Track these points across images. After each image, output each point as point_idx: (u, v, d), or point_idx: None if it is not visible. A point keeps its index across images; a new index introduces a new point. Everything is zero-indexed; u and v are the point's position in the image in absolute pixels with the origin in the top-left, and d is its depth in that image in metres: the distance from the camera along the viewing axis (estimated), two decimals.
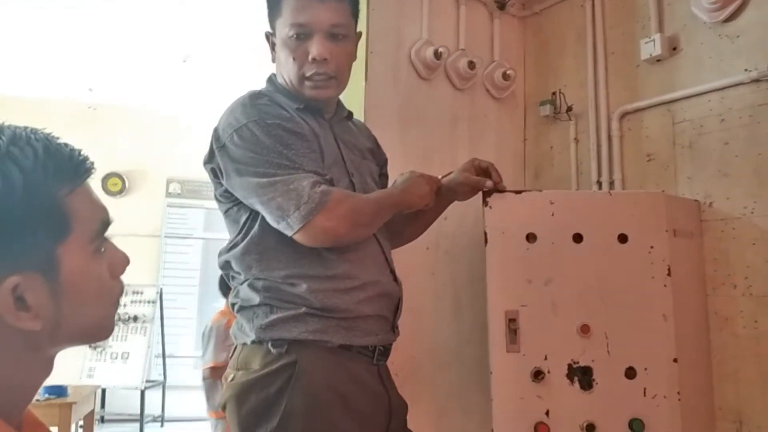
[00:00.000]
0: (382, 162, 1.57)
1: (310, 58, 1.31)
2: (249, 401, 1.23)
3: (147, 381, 5.45)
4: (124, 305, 5.40)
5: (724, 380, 1.77)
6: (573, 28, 2.21)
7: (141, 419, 5.32)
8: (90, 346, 4.72)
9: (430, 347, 1.93)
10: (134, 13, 3.95)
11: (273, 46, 1.40)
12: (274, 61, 1.41)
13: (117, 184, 5.96)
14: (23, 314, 0.61)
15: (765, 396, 1.68)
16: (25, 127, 0.68)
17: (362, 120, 1.79)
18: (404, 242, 1.57)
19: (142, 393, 5.32)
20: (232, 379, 1.29)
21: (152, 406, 5.59)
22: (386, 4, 1.98)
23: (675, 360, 1.63)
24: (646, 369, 1.62)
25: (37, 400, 3.64)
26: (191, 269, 6.39)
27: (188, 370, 5.82)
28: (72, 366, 4.69)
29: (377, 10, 1.96)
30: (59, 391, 3.45)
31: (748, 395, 1.72)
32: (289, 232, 1.23)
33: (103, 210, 0.71)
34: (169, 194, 6.46)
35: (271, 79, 1.44)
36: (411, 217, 1.46)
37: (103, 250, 0.70)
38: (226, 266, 1.38)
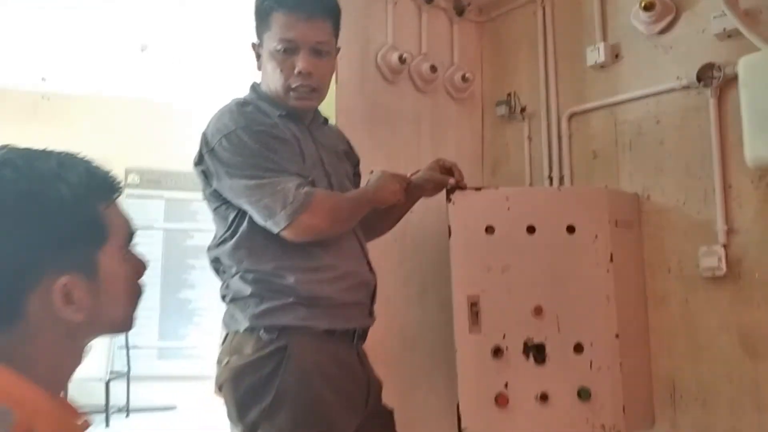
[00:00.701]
0: (355, 162, 1.72)
1: (296, 71, 1.44)
2: (244, 382, 1.36)
3: (111, 372, 5.46)
4: None
5: (659, 353, 1.96)
6: (526, 34, 2.36)
7: (106, 410, 5.33)
8: None
9: (399, 330, 2.07)
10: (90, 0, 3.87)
11: (258, 57, 1.52)
12: (259, 69, 1.53)
13: None
14: (69, 308, 0.74)
15: (693, 366, 1.88)
16: (67, 152, 0.81)
17: (333, 120, 1.93)
18: (377, 235, 1.73)
19: (107, 384, 5.33)
20: (226, 363, 1.41)
21: (117, 397, 5.60)
22: (354, 12, 2.10)
23: (617, 336, 1.82)
24: (591, 344, 1.80)
25: None
26: (152, 260, 6.37)
27: (152, 360, 5.85)
28: None
29: (346, 18, 2.05)
30: None
31: (679, 365, 1.91)
32: (275, 230, 1.37)
33: (130, 222, 0.85)
34: (128, 185, 6.41)
35: (255, 88, 1.56)
36: (383, 212, 1.62)
37: (128, 256, 0.84)
38: (216, 261, 1.50)
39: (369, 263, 1.55)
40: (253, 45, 1.54)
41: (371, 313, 1.54)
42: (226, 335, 1.47)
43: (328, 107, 1.95)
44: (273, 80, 1.48)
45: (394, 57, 2.15)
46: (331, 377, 1.39)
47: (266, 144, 1.39)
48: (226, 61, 4.45)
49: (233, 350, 1.41)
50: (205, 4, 3.74)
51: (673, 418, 1.93)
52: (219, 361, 1.45)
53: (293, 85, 1.47)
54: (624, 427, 1.81)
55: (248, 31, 1.55)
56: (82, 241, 0.76)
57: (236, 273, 1.42)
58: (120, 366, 5.90)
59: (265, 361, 1.35)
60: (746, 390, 1.77)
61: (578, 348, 1.80)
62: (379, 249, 1.78)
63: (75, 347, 0.80)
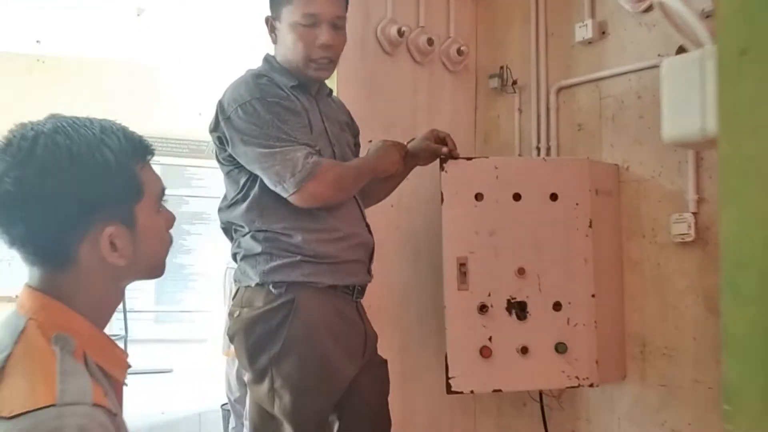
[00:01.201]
0: (356, 133, 1.85)
1: (318, 43, 1.55)
2: (255, 332, 1.50)
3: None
4: None
5: (632, 312, 2.11)
6: (519, 9, 2.45)
7: None
8: None
9: (394, 288, 2.21)
10: None
11: (273, 30, 1.61)
12: (274, 42, 1.62)
13: None
14: (114, 254, 0.89)
15: (663, 324, 2.04)
16: (105, 119, 0.94)
17: (335, 90, 2.04)
18: (375, 202, 1.86)
19: None
20: (237, 315, 1.56)
21: None
22: None
23: (593, 296, 1.97)
24: (569, 303, 1.96)
25: None
26: None
27: (149, 324, 6.01)
28: None
29: None
30: None
31: (650, 324, 2.07)
32: (284, 195, 1.50)
33: (161, 181, 0.99)
34: None
35: (268, 59, 1.65)
36: (381, 180, 1.75)
37: (160, 210, 0.98)
38: (227, 222, 1.64)
39: (368, 226, 1.69)
40: (268, 18, 1.62)
41: (369, 271, 1.69)
42: (237, 290, 1.62)
43: (330, 78, 2.07)
44: (294, 52, 1.58)
45: (393, 30, 2.25)
46: (334, 328, 1.54)
47: (278, 114, 1.51)
48: (220, 28, 4.49)
49: (244, 303, 1.55)
50: None
51: (642, 372, 2.10)
52: (230, 314, 1.60)
53: (314, 57, 1.58)
54: (597, 379, 1.98)
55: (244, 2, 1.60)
56: (123, 197, 0.89)
57: (248, 232, 1.55)
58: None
59: (275, 312, 1.49)
60: (708, 346, 1.93)
61: (557, 306, 1.96)
62: (377, 214, 1.92)
63: (117, 288, 0.94)
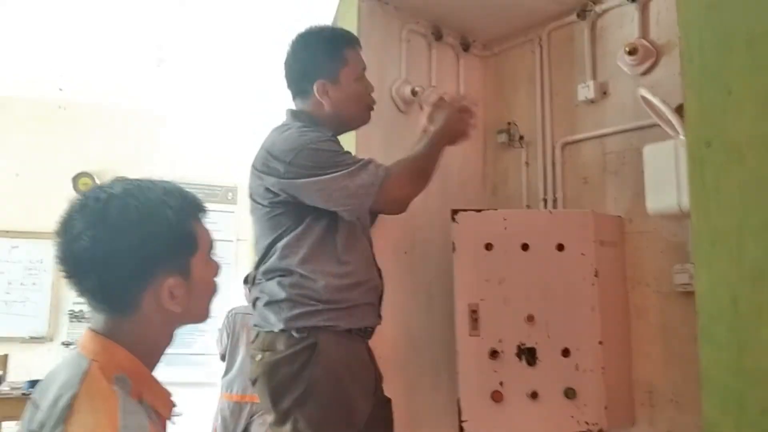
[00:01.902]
0: None
1: (370, 92, 1.81)
2: (278, 374, 1.58)
3: None
4: None
5: (639, 359, 2.17)
6: (525, 69, 2.62)
7: None
8: (63, 344, 5.03)
9: (406, 333, 2.28)
10: (106, 13, 3.93)
11: (326, 93, 1.75)
12: (330, 105, 1.75)
13: (88, 183, 5.81)
14: (172, 302, 0.99)
15: (668, 370, 2.10)
16: (163, 180, 1.05)
17: (353, 146, 2.17)
18: None
19: None
20: (260, 359, 1.63)
21: None
22: (372, 49, 2.33)
23: (600, 342, 2.04)
24: (578, 349, 2.04)
25: (23, 394, 3.90)
26: None
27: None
28: (48, 364, 4.83)
29: (365, 53, 2.34)
30: None
31: (656, 370, 2.13)
32: (363, 209, 1.62)
33: (210, 234, 1.10)
34: None
35: (298, 116, 1.78)
36: None
37: (210, 260, 1.09)
38: (258, 271, 1.72)
39: (379, 270, 1.80)
40: (323, 84, 1.75)
41: (379, 314, 1.78)
42: (257, 334, 1.70)
43: (349, 134, 2.21)
44: (356, 104, 1.79)
45: (407, 90, 2.41)
46: (352, 370, 1.62)
47: (338, 147, 1.68)
48: (239, 77, 4.66)
49: (266, 347, 1.63)
50: (222, 19, 3.88)
51: (651, 418, 2.15)
52: (252, 357, 1.68)
53: (370, 103, 1.82)
54: (606, 424, 2.04)
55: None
56: (181, 251, 1.00)
57: (273, 277, 1.65)
58: None
59: (297, 356, 1.58)
60: None
61: (566, 352, 2.04)
62: (390, 261, 2.02)
63: (170, 333, 1.04)
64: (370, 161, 1.65)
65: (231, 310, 4.34)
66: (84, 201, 0.97)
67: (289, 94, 1.86)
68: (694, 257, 0.68)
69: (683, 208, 1.63)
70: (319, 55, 1.76)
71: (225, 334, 4.30)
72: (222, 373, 4.29)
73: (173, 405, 1.04)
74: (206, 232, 1.07)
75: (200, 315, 1.07)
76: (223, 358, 4.31)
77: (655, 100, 1.84)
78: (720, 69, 0.63)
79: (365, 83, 1.82)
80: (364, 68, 1.82)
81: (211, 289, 1.08)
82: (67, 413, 0.86)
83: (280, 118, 2.18)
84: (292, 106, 1.85)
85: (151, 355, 1.01)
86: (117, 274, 0.94)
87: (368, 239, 1.79)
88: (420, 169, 1.71)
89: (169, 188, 1.02)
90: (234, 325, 4.27)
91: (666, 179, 1.63)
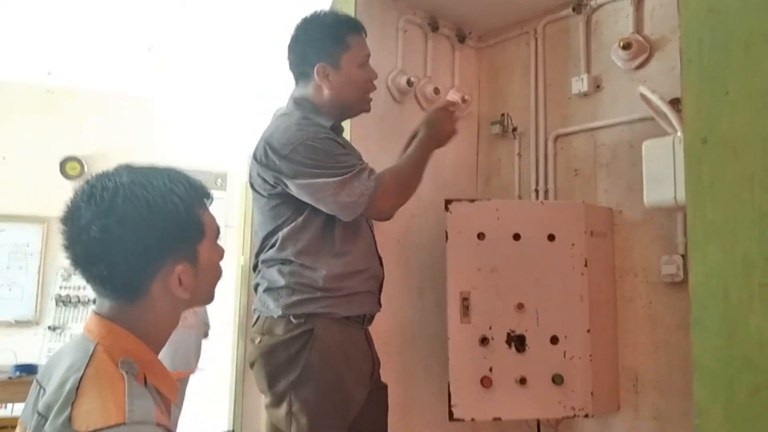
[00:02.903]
0: None
1: (372, 79, 1.79)
2: (276, 358, 1.61)
3: None
4: (84, 287, 5.55)
5: (625, 346, 2.23)
6: (519, 61, 2.65)
7: None
8: (49, 328, 5.01)
9: (400, 319, 2.32)
10: None
11: (326, 76, 1.74)
12: (327, 87, 1.75)
13: (75, 168, 5.75)
14: (180, 288, 1.00)
15: (654, 358, 2.15)
16: (169, 168, 1.07)
17: (348, 134, 2.19)
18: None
19: None
20: (258, 342, 1.67)
21: None
22: (369, 40, 2.32)
23: (588, 330, 2.10)
24: (566, 337, 2.09)
25: (10, 378, 3.90)
26: None
27: None
28: (35, 347, 4.87)
29: None
30: (29, 369, 3.75)
31: (642, 358, 2.18)
32: (352, 216, 1.62)
33: (216, 220, 1.11)
34: None
35: (300, 103, 1.77)
36: None
37: (216, 246, 1.11)
38: (259, 259, 1.74)
39: (380, 258, 1.83)
40: (323, 67, 1.74)
41: (379, 302, 1.82)
42: (257, 318, 1.73)
43: (343, 124, 2.23)
44: (357, 91, 1.78)
45: (403, 80, 2.43)
46: (348, 356, 1.65)
47: (334, 147, 1.66)
48: (230, 63, 4.63)
49: (265, 331, 1.66)
50: (213, 6, 3.86)
51: (635, 404, 2.21)
52: (252, 340, 1.71)
53: (369, 91, 1.81)
54: (592, 409, 2.09)
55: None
56: (189, 238, 1.02)
57: (273, 265, 1.67)
58: None
59: (294, 341, 1.61)
60: None
61: (554, 340, 2.09)
62: (384, 249, 2.03)
63: (175, 317, 1.06)
64: (363, 169, 1.64)
65: None
66: (90, 189, 0.97)
67: (286, 83, 1.87)
68: (689, 249, 0.72)
69: (679, 202, 1.71)
70: (322, 39, 1.76)
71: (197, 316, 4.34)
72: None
73: (177, 388, 1.06)
74: (212, 218, 1.08)
75: (206, 299, 1.09)
76: None
77: (654, 98, 1.89)
78: (718, 70, 0.66)
79: (368, 71, 1.80)
80: (368, 55, 1.80)
81: (217, 274, 1.10)
82: (74, 396, 0.87)
83: (272, 106, 2.19)
84: (292, 92, 1.85)
85: (157, 339, 1.03)
86: (126, 263, 0.95)
87: (370, 227, 1.81)
88: (409, 179, 1.73)
89: (175, 175, 1.03)
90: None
91: (663, 174, 1.72)
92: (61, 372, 0.93)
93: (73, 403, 0.86)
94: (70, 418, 0.84)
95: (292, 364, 1.60)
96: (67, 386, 0.89)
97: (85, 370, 0.90)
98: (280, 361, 1.62)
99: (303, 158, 1.62)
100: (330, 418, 1.61)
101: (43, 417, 0.89)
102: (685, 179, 0.70)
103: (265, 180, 1.69)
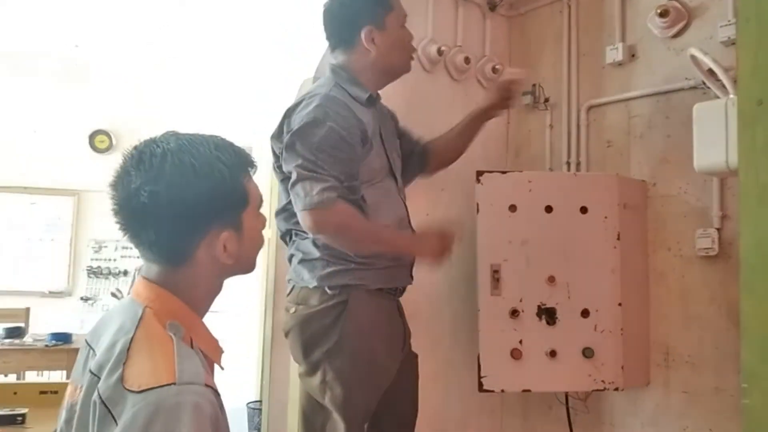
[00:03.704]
0: (400, 132, 1.97)
1: (412, 39, 1.80)
2: (310, 328, 1.64)
3: None
4: (114, 259, 5.64)
5: (657, 321, 2.21)
6: (552, 30, 2.59)
7: None
8: (81, 299, 5.13)
9: (429, 292, 2.31)
10: None
11: (372, 40, 1.71)
12: (377, 52, 1.72)
13: (104, 141, 5.72)
14: (225, 255, 1.02)
15: (685, 333, 2.14)
16: (214, 136, 1.07)
17: None
18: (449, 162, 2.04)
19: None
20: (294, 312, 1.69)
21: None
22: None
23: (620, 304, 2.08)
24: (597, 310, 2.07)
25: (46, 346, 4.01)
26: None
27: None
28: (68, 318, 4.99)
29: None
30: (65, 338, 3.76)
31: (673, 332, 2.17)
32: (297, 210, 1.60)
33: (258, 189, 1.12)
34: None
35: (339, 73, 1.72)
36: (456, 136, 1.97)
37: (259, 214, 1.12)
38: (287, 229, 1.75)
39: (413, 230, 1.83)
40: (371, 30, 1.71)
41: (411, 274, 1.82)
42: (292, 288, 1.75)
43: None
44: (401, 50, 1.78)
45: (433, 49, 2.40)
46: (381, 328, 1.67)
47: (332, 144, 1.59)
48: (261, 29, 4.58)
49: (300, 301, 1.68)
50: None
51: (666, 378, 2.20)
52: (287, 309, 1.73)
53: (412, 53, 1.82)
54: (622, 383, 2.08)
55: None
56: (234, 205, 1.03)
57: (307, 236, 1.67)
58: None
59: (329, 311, 1.63)
60: (729, 355, 2.02)
61: (585, 313, 2.08)
62: (414, 222, 2.05)
63: (220, 283, 1.08)
64: (331, 187, 1.55)
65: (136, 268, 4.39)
66: (139, 155, 0.98)
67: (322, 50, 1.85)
68: (740, 213, 0.70)
69: (731, 166, 1.68)
70: (366, 1, 1.74)
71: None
72: None
73: (222, 351, 1.08)
74: (255, 186, 1.09)
75: (249, 266, 1.10)
76: None
77: (707, 59, 1.84)
78: None
79: (407, 31, 1.80)
80: (406, 15, 1.80)
81: (259, 242, 1.11)
82: (125, 356, 0.89)
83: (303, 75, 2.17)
84: (328, 60, 1.82)
85: (202, 304, 1.05)
86: (174, 228, 0.97)
87: (403, 199, 1.81)
88: (359, 239, 1.62)
89: (220, 143, 1.03)
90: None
91: (715, 137, 1.69)
92: (110, 334, 0.96)
93: (124, 364, 0.88)
94: (122, 378, 0.87)
95: (327, 334, 1.62)
96: (118, 347, 0.91)
97: (135, 332, 0.93)
98: (314, 330, 1.64)
99: (300, 139, 1.60)
100: (363, 388, 1.63)
101: (96, 376, 0.91)
102: (738, 142, 0.68)
103: (277, 152, 1.70)
